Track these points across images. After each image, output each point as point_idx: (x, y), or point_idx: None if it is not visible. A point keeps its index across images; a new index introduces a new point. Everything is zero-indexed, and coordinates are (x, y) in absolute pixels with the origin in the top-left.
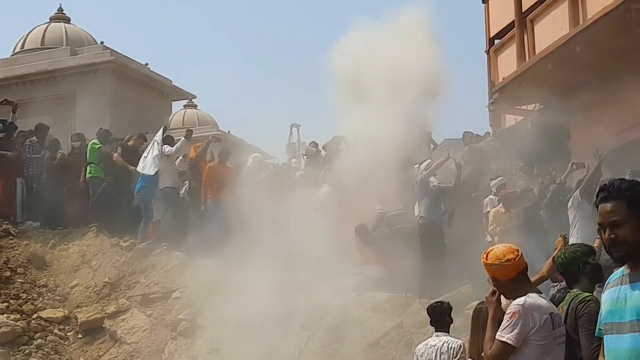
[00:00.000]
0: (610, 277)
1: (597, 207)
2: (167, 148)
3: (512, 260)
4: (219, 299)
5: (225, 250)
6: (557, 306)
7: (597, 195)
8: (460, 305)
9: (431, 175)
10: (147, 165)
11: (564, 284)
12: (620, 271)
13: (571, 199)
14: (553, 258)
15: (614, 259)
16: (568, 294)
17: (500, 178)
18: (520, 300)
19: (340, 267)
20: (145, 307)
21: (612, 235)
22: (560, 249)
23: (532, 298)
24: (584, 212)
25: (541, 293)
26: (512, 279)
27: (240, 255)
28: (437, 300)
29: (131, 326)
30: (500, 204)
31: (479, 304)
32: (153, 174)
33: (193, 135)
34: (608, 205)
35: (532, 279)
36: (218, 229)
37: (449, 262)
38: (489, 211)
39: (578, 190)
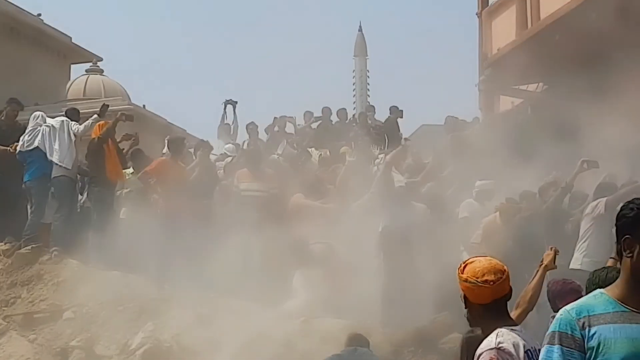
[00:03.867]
0: (587, 308)
1: None
2: (74, 126)
3: (491, 283)
4: (124, 321)
5: (136, 260)
6: None
7: None
8: (435, 338)
9: (391, 168)
10: (59, 151)
11: None
12: (610, 305)
13: (590, 206)
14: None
15: None
16: None
17: (485, 181)
18: (490, 343)
19: (282, 284)
20: (27, 330)
21: None
22: (546, 265)
23: (503, 336)
24: (602, 226)
25: (515, 325)
26: (484, 304)
27: (155, 266)
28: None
29: (8, 354)
30: (497, 214)
31: (467, 334)
32: (70, 167)
33: (93, 109)
34: None
35: (513, 314)
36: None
37: (419, 283)
38: (465, 217)
39: (606, 200)
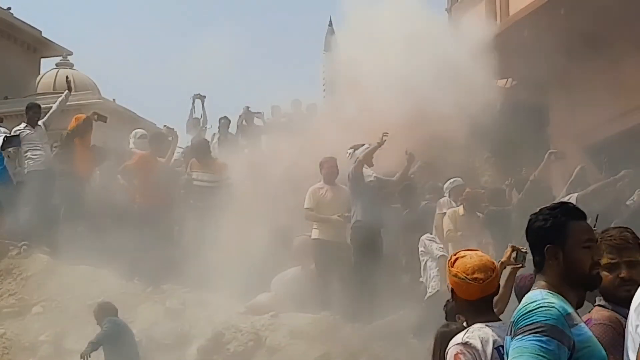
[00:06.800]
0: (562, 305)
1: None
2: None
3: (480, 281)
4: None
5: (107, 254)
6: None
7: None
8: (403, 333)
9: (363, 165)
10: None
11: None
12: (568, 305)
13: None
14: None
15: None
16: None
17: (454, 179)
18: (458, 339)
19: (251, 279)
20: None
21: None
22: (502, 262)
23: (473, 332)
24: None
25: (497, 320)
26: (471, 301)
27: (126, 261)
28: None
29: None
30: (461, 205)
31: (442, 328)
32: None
33: (67, 103)
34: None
35: None
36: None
37: (389, 279)
38: (444, 213)
39: (577, 195)
